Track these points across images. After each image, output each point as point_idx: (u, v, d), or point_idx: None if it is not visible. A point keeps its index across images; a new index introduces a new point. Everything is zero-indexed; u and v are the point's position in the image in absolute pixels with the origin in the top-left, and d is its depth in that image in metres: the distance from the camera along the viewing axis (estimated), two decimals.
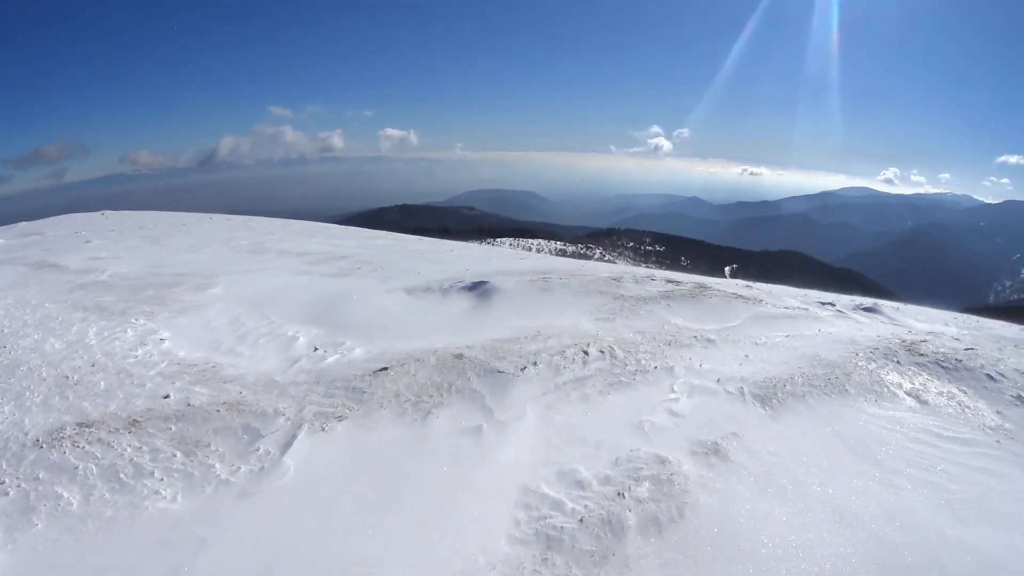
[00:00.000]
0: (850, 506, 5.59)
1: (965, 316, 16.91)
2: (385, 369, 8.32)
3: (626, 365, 8.60)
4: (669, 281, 14.03)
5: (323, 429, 6.80)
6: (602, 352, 8.93)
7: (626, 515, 5.33)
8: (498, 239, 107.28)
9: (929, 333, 11.21)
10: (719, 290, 13.07)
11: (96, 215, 28.65)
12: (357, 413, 7.21)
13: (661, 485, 5.79)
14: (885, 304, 14.92)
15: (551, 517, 5.35)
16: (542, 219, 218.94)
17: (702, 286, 13.48)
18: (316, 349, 9.33)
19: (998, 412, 7.86)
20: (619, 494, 5.63)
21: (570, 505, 5.51)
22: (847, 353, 9.43)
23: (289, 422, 6.89)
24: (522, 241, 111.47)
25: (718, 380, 8.26)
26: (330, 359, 8.97)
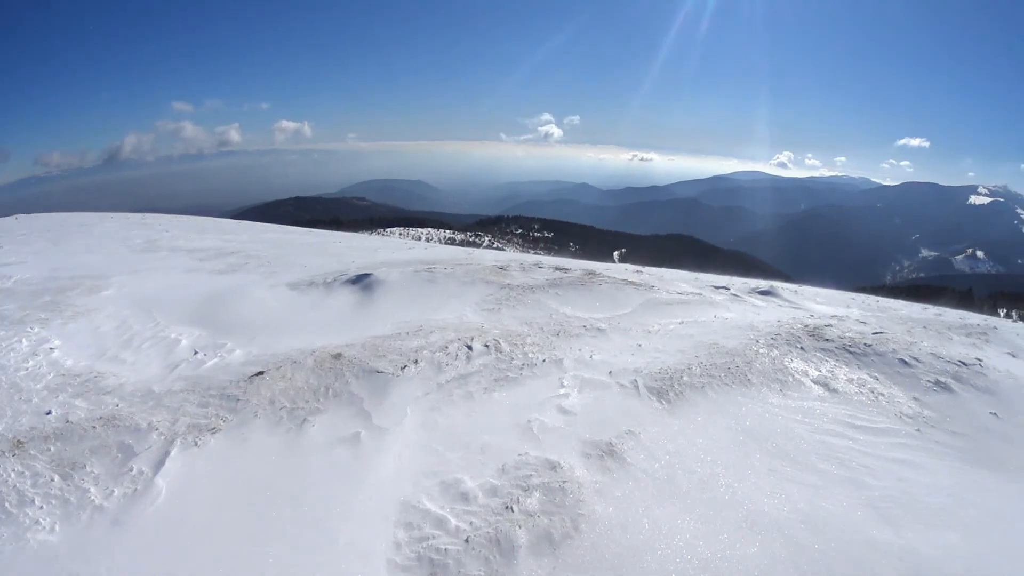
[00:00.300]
0: (763, 509, 5.34)
1: (864, 296, 17.27)
2: (261, 373, 7.94)
3: (512, 359, 8.41)
4: (557, 268, 14.10)
5: (196, 444, 6.36)
6: (487, 346, 8.70)
7: (516, 532, 4.96)
8: (388, 229, 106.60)
9: (833, 317, 11.37)
10: (609, 277, 13.09)
11: (10, 220, 27.65)
12: (231, 424, 6.78)
13: (553, 495, 5.46)
14: (782, 286, 15.18)
15: (434, 538, 4.97)
16: (431, 208, 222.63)
17: (591, 273, 13.50)
18: (196, 353, 8.96)
19: (915, 399, 7.86)
20: (507, 507, 5.28)
21: (454, 523, 5.13)
22: (747, 340, 9.39)
23: (162, 437, 6.42)
24: (412, 231, 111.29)
25: (610, 372, 8.10)
26: (209, 363, 8.55)
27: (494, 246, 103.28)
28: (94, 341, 9.57)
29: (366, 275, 12.65)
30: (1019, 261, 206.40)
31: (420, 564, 4.70)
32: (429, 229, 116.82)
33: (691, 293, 12.63)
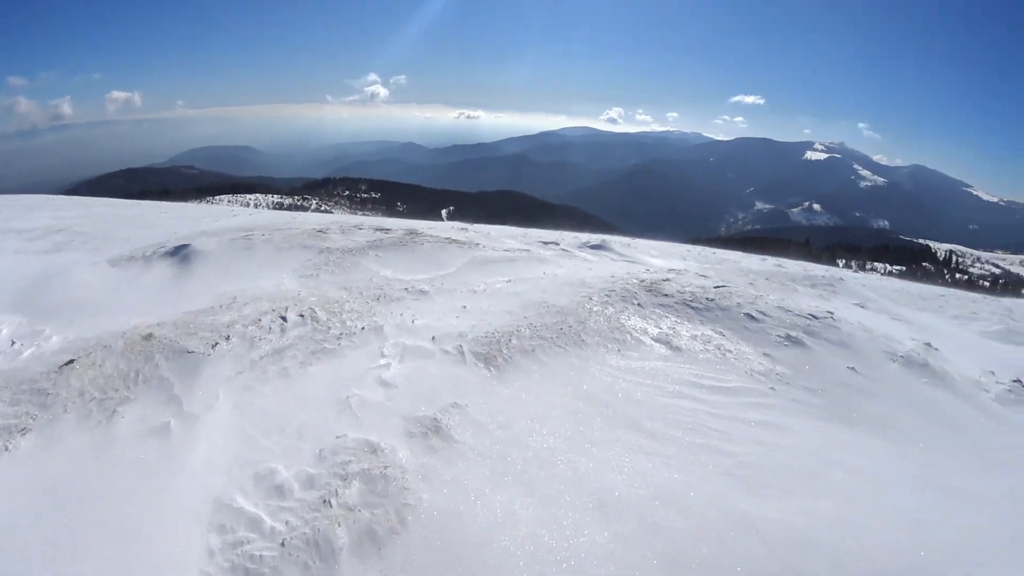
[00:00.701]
0: (611, 487, 4.87)
1: (701, 248, 17.48)
2: (71, 362, 7.18)
3: (329, 329, 7.87)
4: (378, 229, 13.62)
5: (6, 448, 5.63)
6: (302, 316, 8.15)
7: (335, 531, 4.42)
8: (216, 197, 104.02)
9: (671, 271, 11.22)
10: (431, 236, 12.76)
11: None
12: (41, 421, 6.05)
13: (374, 483, 4.92)
14: (614, 240, 15.08)
15: (249, 542, 4.39)
16: (259, 173, 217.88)
17: (413, 232, 13.12)
18: (13, 343, 8.14)
19: (766, 355, 7.64)
20: (325, 501, 4.74)
21: (269, 523, 4.57)
22: (579, 297, 9.08)
23: None
24: (240, 197, 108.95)
25: (433, 338, 7.66)
26: (25, 353, 7.76)
27: (321, 209, 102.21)
28: None
29: (184, 246, 12.01)
30: (856, 214, 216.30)
31: (235, 574, 4.12)
32: (257, 195, 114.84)
33: (518, 250, 12.43)
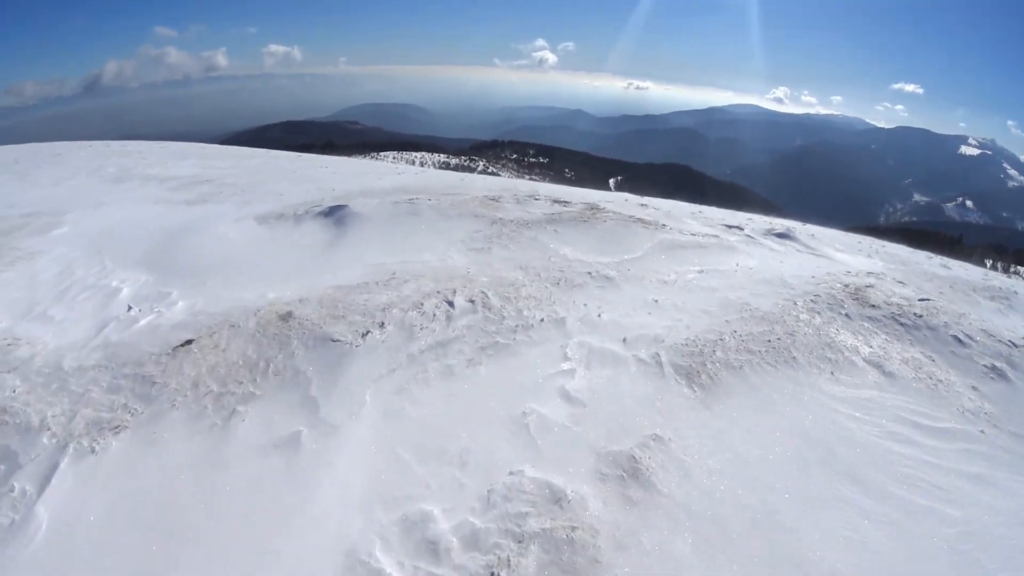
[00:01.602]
0: (840, 570, 3.87)
1: (871, 240, 16.06)
2: (190, 343, 6.40)
3: (504, 318, 6.86)
4: (555, 201, 12.36)
5: (93, 450, 4.84)
6: (472, 301, 7.14)
7: None
8: (382, 153, 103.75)
9: (870, 274, 9.73)
10: (614, 212, 11.49)
11: None
12: (141, 419, 5.23)
13: (559, 551, 3.84)
14: (798, 228, 13.73)
15: None
16: (426, 132, 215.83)
17: (594, 207, 11.89)
18: (130, 309, 7.51)
19: (974, 388, 6.43)
20: (492, 574, 3.69)
21: None
22: (782, 300, 7.89)
23: (55, 440, 4.94)
24: (405, 154, 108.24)
25: (624, 340, 6.57)
26: (141, 322, 7.07)
27: (489, 171, 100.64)
28: (26, 294, 8.20)
29: (340, 207, 11.13)
30: (1004, 214, 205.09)
31: None
32: (423, 153, 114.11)
33: (706, 235, 11.06)
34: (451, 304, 7.06)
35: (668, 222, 11.52)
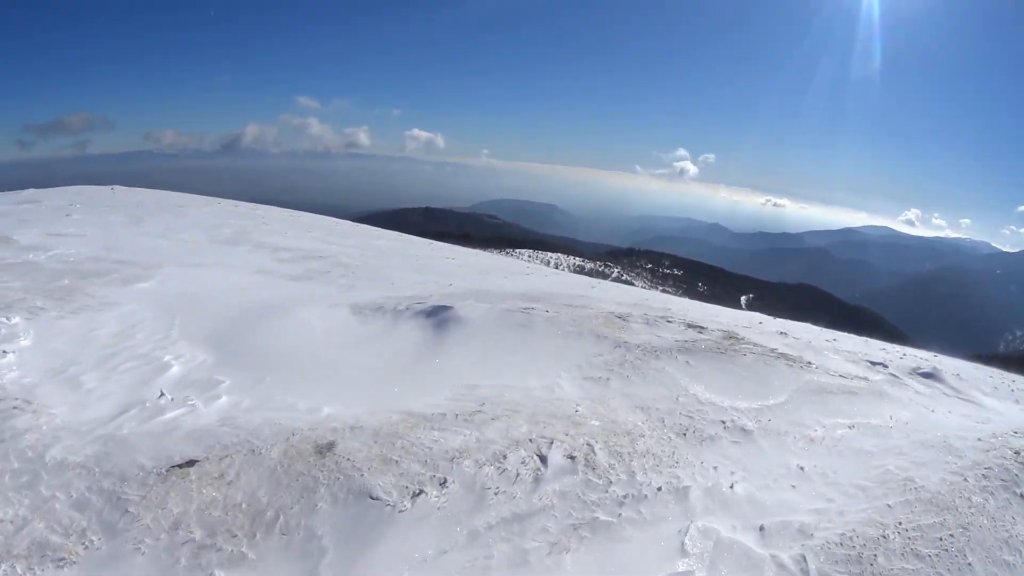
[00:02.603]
0: None
1: (1000, 373, 14.53)
2: (191, 463, 5.03)
3: (610, 484, 5.19)
4: (690, 326, 10.71)
5: None
6: (572, 458, 5.46)
7: None
8: (517, 250, 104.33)
9: None
10: (754, 344, 9.87)
11: (106, 189, 26.98)
12: (94, 557, 3.96)
13: None
14: (945, 366, 12.06)
15: None
16: (563, 233, 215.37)
17: (732, 335, 10.29)
18: (161, 395, 6.37)
19: None
20: None
21: None
22: (950, 475, 6.11)
23: None
24: (541, 254, 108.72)
25: (761, 529, 4.87)
26: (167, 415, 5.96)
27: (623, 278, 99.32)
28: (72, 349, 7.50)
29: (445, 307, 9.78)
30: None
31: None
32: (559, 254, 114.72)
33: (856, 376, 9.34)
34: (543, 460, 5.43)
35: (812, 357, 9.93)
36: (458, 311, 9.62)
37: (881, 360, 11.28)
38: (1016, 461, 6.46)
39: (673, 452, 6.07)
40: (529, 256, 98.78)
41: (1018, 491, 5.85)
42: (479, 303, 10.36)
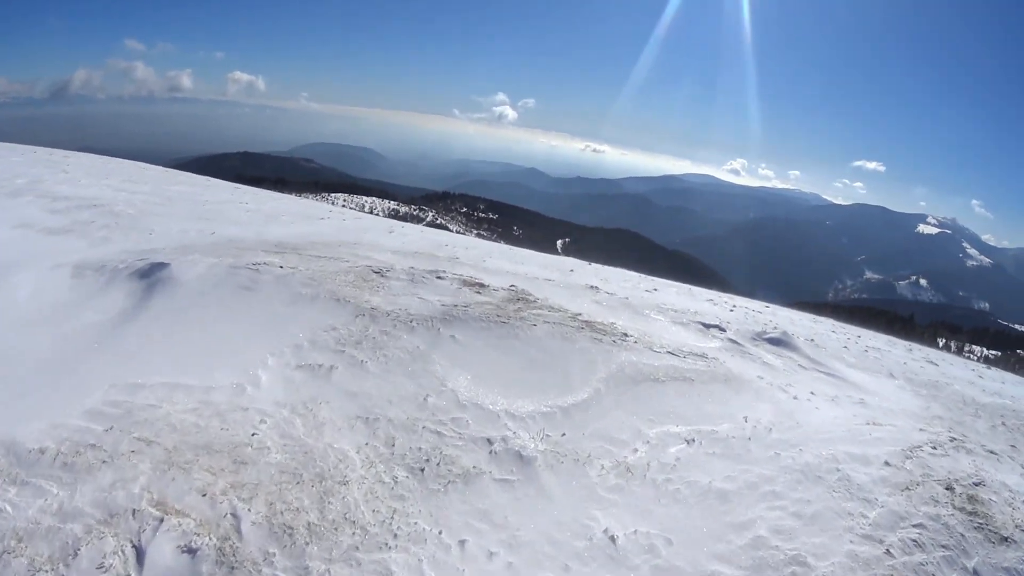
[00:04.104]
0: None
1: (859, 333, 13.80)
2: None
3: None
4: (468, 283, 8.62)
5: None
6: (193, 551, 3.43)
7: None
8: (332, 194, 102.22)
9: (953, 443, 6.36)
10: (550, 308, 7.90)
11: None
12: None
13: None
14: (795, 330, 10.73)
15: None
16: (379, 177, 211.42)
17: (521, 297, 8.27)
18: None
19: None
20: None
21: None
22: (862, 545, 4.29)
23: None
24: (356, 198, 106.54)
25: None
26: None
27: (437, 223, 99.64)
28: None
29: (160, 266, 7.81)
30: (960, 293, 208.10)
31: None
32: (374, 199, 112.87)
33: (688, 353, 7.41)
34: (139, 556, 3.36)
35: (629, 323, 8.13)
36: (173, 270, 7.62)
37: (716, 322, 9.74)
38: (953, 506, 4.82)
39: (393, 514, 4.05)
40: (344, 201, 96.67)
41: (970, 565, 4.26)
42: (206, 258, 8.28)
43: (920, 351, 14.69)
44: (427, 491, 4.28)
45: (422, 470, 4.46)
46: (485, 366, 6.06)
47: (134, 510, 3.61)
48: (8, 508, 3.49)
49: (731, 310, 12.40)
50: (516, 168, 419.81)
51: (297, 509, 3.84)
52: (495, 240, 45.76)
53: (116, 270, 7.91)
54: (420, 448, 4.71)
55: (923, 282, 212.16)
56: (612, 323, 7.66)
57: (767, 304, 15.82)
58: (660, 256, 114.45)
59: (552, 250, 61.53)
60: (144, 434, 4.36)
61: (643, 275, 16.52)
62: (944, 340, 77.75)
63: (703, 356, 7.32)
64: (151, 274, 7.55)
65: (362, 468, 4.38)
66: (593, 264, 15.74)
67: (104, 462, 3.99)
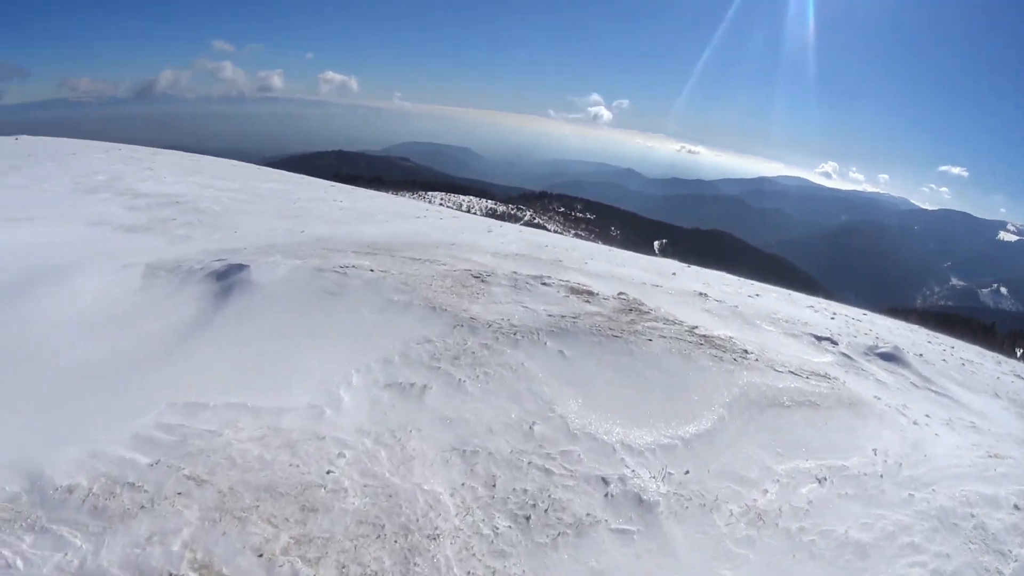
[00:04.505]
0: None
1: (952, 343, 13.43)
2: None
3: None
4: (576, 291, 7.79)
5: None
6: None
7: None
8: (430, 193, 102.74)
9: None
10: (665, 320, 7.05)
11: (10, 139, 24.09)
12: None
13: None
14: (907, 348, 9.79)
15: None
16: (476, 176, 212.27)
17: (634, 307, 7.41)
18: None
19: None
20: None
21: None
22: None
23: None
24: (453, 197, 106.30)
25: None
26: None
27: (535, 221, 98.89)
28: None
29: (238, 268, 7.14)
30: None
31: None
32: (471, 197, 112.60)
33: (810, 372, 6.57)
34: None
35: (745, 335, 7.38)
36: (252, 272, 6.95)
37: (827, 334, 9.00)
38: None
39: (501, 558, 3.45)
40: (441, 200, 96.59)
41: None
42: (289, 259, 7.61)
43: (1007, 364, 14.06)
44: (532, 546, 3.60)
45: (527, 518, 3.77)
46: (597, 387, 5.32)
47: (171, 574, 2.98)
48: (19, 563, 2.89)
49: (832, 318, 11.71)
50: (612, 168, 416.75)
51: (375, 574, 3.19)
52: (593, 240, 45.13)
53: (191, 271, 7.32)
54: (525, 490, 4.00)
55: (1003, 290, 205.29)
56: (730, 337, 6.87)
57: (864, 312, 14.97)
58: (754, 258, 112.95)
59: (649, 251, 60.69)
60: (196, 471, 3.68)
61: (741, 279, 15.89)
62: (1022, 350, 74.58)
63: (826, 376, 6.51)
64: (228, 276, 6.98)
65: (457, 517, 3.70)
66: (692, 267, 15.13)
67: (143, 507, 3.35)
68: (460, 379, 5.13)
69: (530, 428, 4.61)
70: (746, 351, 6.46)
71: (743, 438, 4.96)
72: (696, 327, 6.85)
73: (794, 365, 6.58)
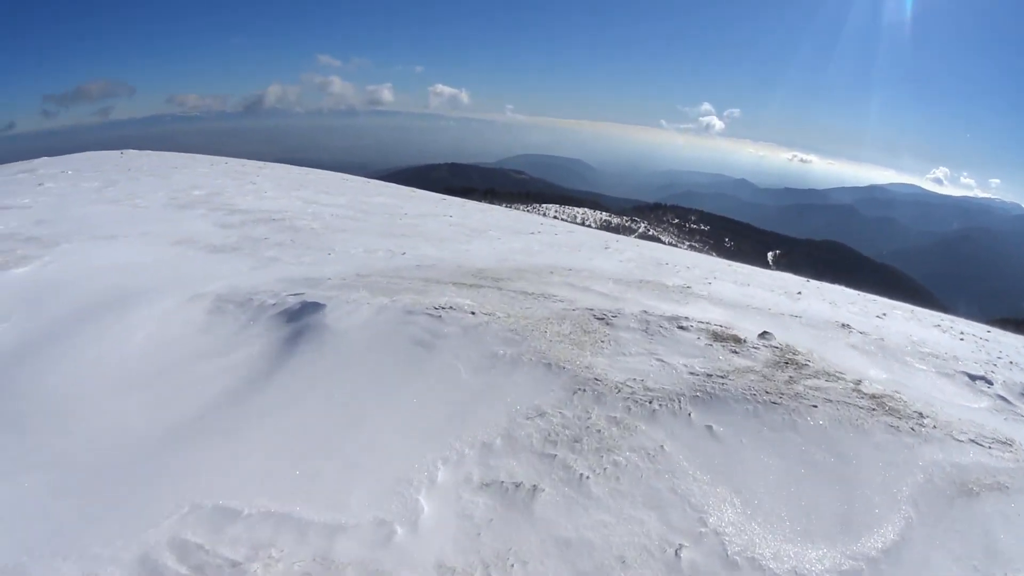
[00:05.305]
0: None
1: None
2: None
3: None
4: (718, 337, 6.18)
5: None
6: None
7: None
8: (543, 205, 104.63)
9: None
10: (827, 376, 5.41)
11: (115, 154, 24.21)
12: None
13: None
14: None
15: None
16: (589, 188, 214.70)
17: (790, 360, 5.74)
18: None
19: None
20: None
21: None
22: None
23: None
24: (568, 209, 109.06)
25: None
26: None
27: (649, 233, 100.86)
28: None
29: (316, 306, 6.09)
30: None
31: None
32: (586, 209, 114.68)
33: (991, 439, 4.77)
34: None
35: (904, 383, 6.09)
36: (327, 315, 5.86)
37: (981, 373, 7.62)
38: None
39: None
40: (556, 212, 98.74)
41: None
42: (376, 297, 6.46)
43: None
44: None
45: None
46: (758, 482, 3.82)
47: None
48: None
49: (960, 338, 10.59)
50: (724, 179, 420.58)
51: None
52: (708, 252, 44.67)
53: (262, 307, 6.38)
54: None
55: None
56: (896, 393, 5.34)
57: (988, 328, 13.82)
58: (867, 269, 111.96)
59: (763, 262, 59.76)
60: None
61: (861, 293, 15.25)
62: None
63: (1008, 444, 4.83)
64: (300, 317, 5.98)
65: None
66: (812, 281, 14.63)
67: None
68: (582, 474, 3.71)
69: (676, 555, 3.18)
70: (921, 415, 4.94)
71: (936, 550, 3.51)
72: (860, 381, 5.38)
73: (972, 430, 4.94)
